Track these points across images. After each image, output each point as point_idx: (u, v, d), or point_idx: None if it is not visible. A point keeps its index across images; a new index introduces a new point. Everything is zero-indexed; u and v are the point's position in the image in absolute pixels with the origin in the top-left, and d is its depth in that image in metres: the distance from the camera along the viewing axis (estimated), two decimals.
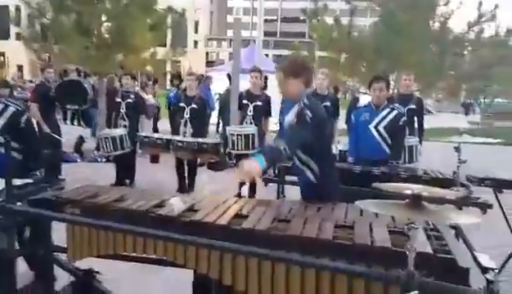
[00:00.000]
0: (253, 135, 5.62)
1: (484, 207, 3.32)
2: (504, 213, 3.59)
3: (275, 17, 63.00)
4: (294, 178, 3.20)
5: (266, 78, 6.12)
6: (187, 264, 2.04)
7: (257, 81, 5.96)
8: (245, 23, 41.78)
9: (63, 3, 8.80)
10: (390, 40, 8.80)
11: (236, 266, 1.93)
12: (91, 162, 8.50)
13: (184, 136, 6.04)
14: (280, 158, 2.56)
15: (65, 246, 2.33)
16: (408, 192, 1.55)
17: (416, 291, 1.46)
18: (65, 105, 7.48)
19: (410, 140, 5.27)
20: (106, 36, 9.32)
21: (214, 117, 9.66)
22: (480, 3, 9.81)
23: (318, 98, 5.23)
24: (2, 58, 37.72)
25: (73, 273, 2.69)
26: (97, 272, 2.77)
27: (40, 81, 7.86)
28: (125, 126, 6.47)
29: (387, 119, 4.27)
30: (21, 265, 2.78)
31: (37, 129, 4.45)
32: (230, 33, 45.00)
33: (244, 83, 6.72)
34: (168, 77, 33.96)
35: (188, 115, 6.10)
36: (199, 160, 6.59)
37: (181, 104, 6.18)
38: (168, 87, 27.47)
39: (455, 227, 2.39)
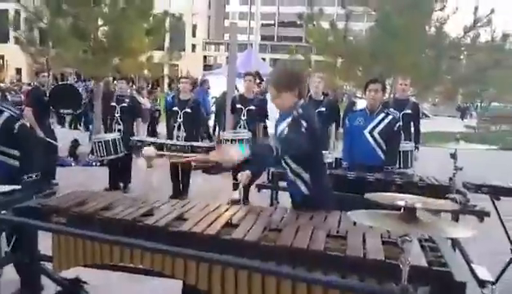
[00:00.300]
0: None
1: (481, 215, 3.27)
2: (501, 220, 3.55)
3: (272, 22, 63.05)
4: None
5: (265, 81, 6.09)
6: (175, 275, 1.98)
7: (250, 84, 5.91)
8: (243, 27, 41.79)
9: (60, 7, 8.73)
10: (386, 44, 8.76)
11: (226, 278, 1.88)
12: (85, 166, 8.44)
13: (177, 140, 5.97)
14: (267, 154, 2.41)
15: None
16: (402, 203, 1.50)
17: None
18: (59, 110, 7.39)
19: (406, 146, 5.24)
20: (103, 40, 9.27)
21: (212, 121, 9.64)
22: (476, 8, 9.81)
23: (313, 104, 5.17)
24: (1, 61, 37.72)
25: (59, 282, 2.62)
26: (84, 282, 2.70)
27: (34, 85, 7.80)
28: (120, 130, 6.41)
29: (382, 125, 4.22)
30: (7, 273, 2.71)
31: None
32: (227, 37, 44.95)
33: (244, 87, 6.69)
34: (166, 80, 34.00)
35: (182, 119, 6.03)
36: (193, 164, 6.53)
37: (175, 109, 6.10)
38: (165, 91, 27.49)
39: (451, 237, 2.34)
